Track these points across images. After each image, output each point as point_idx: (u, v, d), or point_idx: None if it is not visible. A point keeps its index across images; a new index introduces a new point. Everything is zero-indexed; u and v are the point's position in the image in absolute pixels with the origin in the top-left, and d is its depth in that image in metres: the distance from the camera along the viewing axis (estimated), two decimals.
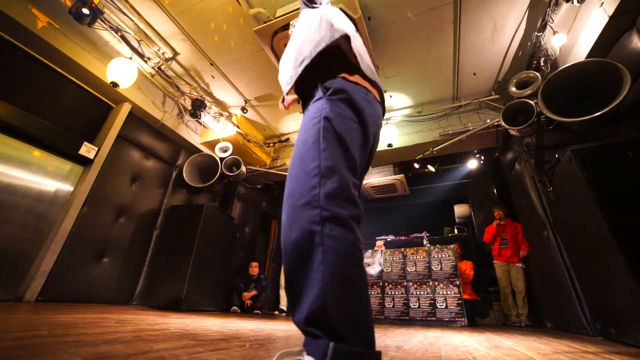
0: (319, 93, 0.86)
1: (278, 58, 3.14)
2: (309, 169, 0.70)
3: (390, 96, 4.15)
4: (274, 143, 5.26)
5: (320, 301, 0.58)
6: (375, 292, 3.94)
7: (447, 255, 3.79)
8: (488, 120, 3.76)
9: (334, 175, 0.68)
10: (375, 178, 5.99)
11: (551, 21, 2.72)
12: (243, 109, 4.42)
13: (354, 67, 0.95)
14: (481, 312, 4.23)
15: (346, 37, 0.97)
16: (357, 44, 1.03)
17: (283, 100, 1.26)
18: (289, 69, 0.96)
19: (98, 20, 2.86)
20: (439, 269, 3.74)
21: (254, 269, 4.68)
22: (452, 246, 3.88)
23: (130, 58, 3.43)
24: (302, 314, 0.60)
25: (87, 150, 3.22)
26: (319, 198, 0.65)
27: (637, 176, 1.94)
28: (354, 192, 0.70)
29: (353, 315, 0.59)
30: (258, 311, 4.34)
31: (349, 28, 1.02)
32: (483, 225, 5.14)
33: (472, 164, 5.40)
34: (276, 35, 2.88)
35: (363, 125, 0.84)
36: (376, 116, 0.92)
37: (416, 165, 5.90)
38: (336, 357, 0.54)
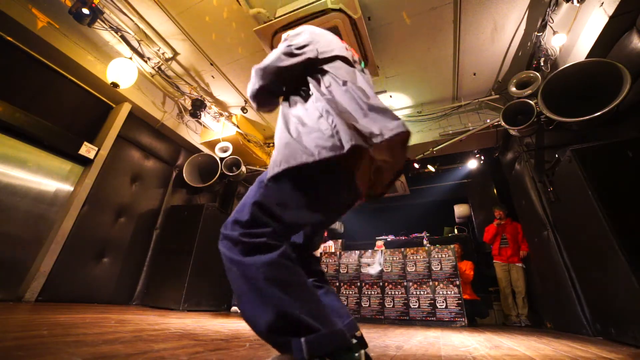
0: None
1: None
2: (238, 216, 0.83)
3: (390, 96, 4.15)
4: (274, 143, 5.26)
5: (272, 312, 0.65)
6: (375, 292, 3.94)
7: (447, 255, 3.78)
8: (488, 120, 3.76)
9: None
10: None
11: (551, 21, 2.72)
12: (243, 109, 4.42)
13: None
14: (481, 312, 4.23)
15: None
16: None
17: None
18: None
19: (98, 20, 2.86)
20: (439, 269, 3.74)
21: None
22: (452, 246, 3.88)
23: (130, 58, 3.43)
24: (266, 331, 0.67)
25: (87, 150, 3.22)
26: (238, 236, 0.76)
27: (637, 176, 1.94)
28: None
29: (306, 310, 0.66)
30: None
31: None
32: (483, 225, 5.14)
33: (472, 164, 5.40)
34: (276, 35, 2.88)
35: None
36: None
37: (416, 165, 5.90)
38: (310, 347, 0.62)
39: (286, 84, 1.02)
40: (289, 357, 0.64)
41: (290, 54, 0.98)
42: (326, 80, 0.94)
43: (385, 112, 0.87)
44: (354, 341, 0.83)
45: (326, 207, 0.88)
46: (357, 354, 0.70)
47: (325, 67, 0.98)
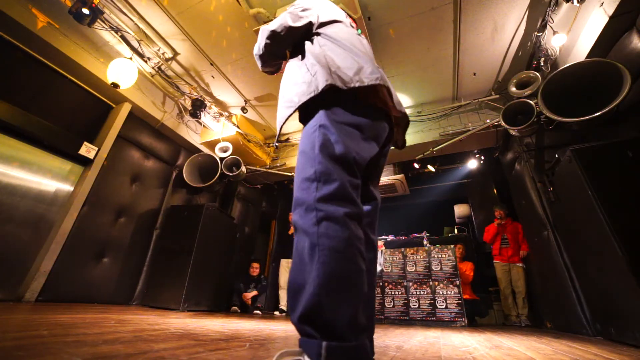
0: (316, 105, 0.90)
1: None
2: (307, 177, 0.75)
3: None
4: (274, 143, 5.27)
5: (315, 299, 0.59)
6: (376, 292, 3.94)
7: (447, 256, 3.79)
8: (488, 120, 3.76)
9: (328, 179, 0.71)
10: None
11: (551, 21, 2.72)
12: (243, 109, 4.42)
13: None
14: (481, 311, 4.23)
15: None
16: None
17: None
18: (289, 92, 0.99)
19: (98, 20, 2.86)
20: (439, 269, 3.74)
21: (255, 269, 4.69)
22: (452, 246, 3.88)
23: (131, 58, 3.43)
24: (297, 313, 0.62)
25: (87, 150, 3.22)
26: (314, 202, 0.69)
27: (637, 176, 1.94)
28: (350, 192, 0.71)
29: (346, 312, 0.60)
30: (258, 311, 4.34)
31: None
32: (483, 225, 5.14)
33: (472, 164, 5.40)
34: None
35: (361, 128, 0.88)
36: (375, 125, 0.93)
37: (416, 165, 5.90)
38: (330, 356, 0.56)
39: (289, 45, 1.13)
40: (301, 354, 0.60)
41: (296, 16, 1.08)
42: (321, 40, 1.03)
43: (371, 64, 0.95)
44: None
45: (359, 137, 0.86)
46: None
47: (323, 29, 1.07)
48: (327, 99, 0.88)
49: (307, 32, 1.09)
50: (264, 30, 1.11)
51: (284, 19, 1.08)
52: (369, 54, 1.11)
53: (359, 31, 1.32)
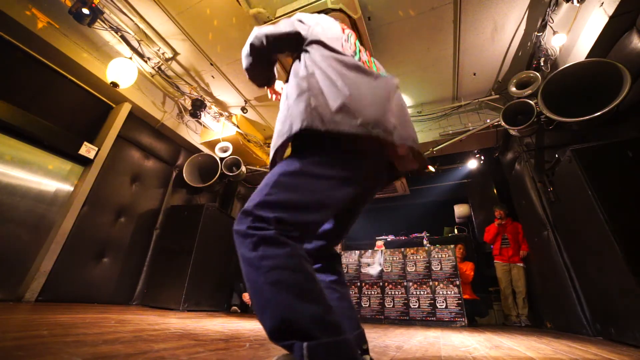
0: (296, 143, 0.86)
1: (281, 64, 3.14)
2: (245, 208, 0.75)
3: None
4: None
5: (277, 317, 0.62)
6: (375, 292, 3.94)
7: (447, 256, 3.79)
8: (488, 120, 3.76)
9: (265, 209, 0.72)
10: None
11: (551, 21, 2.72)
12: (243, 109, 4.42)
13: None
14: (481, 311, 4.23)
15: None
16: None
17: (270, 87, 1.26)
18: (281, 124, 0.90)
19: (98, 20, 2.86)
20: (439, 269, 3.74)
21: None
22: (452, 246, 3.88)
23: (130, 58, 3.43)
24: (267, 332, 0.65)
25: (87, 150, 3.22)
26: (246, 229, 0.70)
27: (637, 176, 1.94)
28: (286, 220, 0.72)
29: (311, 315, 0.62)
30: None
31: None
32: (483, 225, 5.14)
33: (472, 164, 5.40)
34: None
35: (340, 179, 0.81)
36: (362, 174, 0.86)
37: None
38: (312, 353, 0.58)
39: (280, 51, 1.05)
40: (291, 358, 0.63)
41: (290, 24, 1.02)
42: (310, 61, 0.93)
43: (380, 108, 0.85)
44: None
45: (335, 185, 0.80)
46: None
47: (314, 48, 0.96)
48: (304, 142, 0.81)
49: (297, 45, 1.01)
50: (255, 29, 1.05)
51: (278, 23, 1.06)
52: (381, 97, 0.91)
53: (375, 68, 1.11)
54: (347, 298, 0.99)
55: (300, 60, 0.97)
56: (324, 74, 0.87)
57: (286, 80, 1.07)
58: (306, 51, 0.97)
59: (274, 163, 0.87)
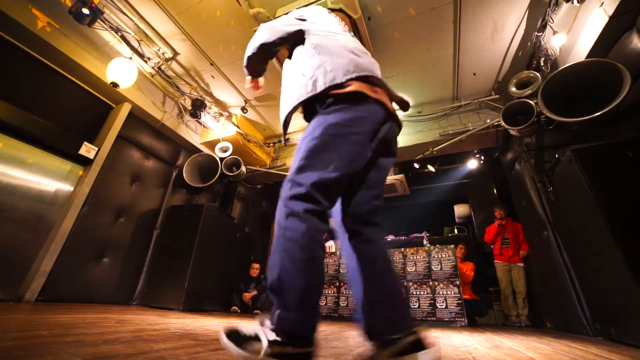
0: (313, 107, 0.98)
1: (278, 59, 3.13)
2: (287, 178, 0.88)
3: None
4: (274, 143, 5.27)
5: (277, 274, 0.77)
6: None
7: (447, 256, 3.78)
8: (488, 120, 3.76)
9: (298, 181, 0.85)
10: None
11: (551, 21, 2.72)
12: (243, 109, 4.42)
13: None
14: (481, 311, 4.23)
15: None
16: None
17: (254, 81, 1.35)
18: (290, 94, 1.05)
19: (98, 20, 2.86)
20: (439, 269, 3.74)
21: (255, 270, 4.68)
22: (452, 246, 3.88)
23: (130, 58, 3.43)
24: (268, 283, 0.81)
25: (87, 150, 3.22)
26: (286, 200, 0.84)
27: (637, 176, 1.94)
28: (314, 192, 0.83)
29: (301, 287, 0.75)
30: (258, 311, 4.34)
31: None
32: (483, 225, 5.14)
33: (472, 164, 5.40)
34: None
35: (357, 131, 0.91)
36: (374, 119, 0.96)
37: (416, 165, 5.90)
38: (279, 321, 0.73)
39: (281, 46, 1.18)
40: (264, 321, 0.77)
41: (290, 22, 1.15)
42: (314, 42, 1.08)
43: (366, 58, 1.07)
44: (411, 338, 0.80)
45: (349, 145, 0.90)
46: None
47: (315, 35, 1.11)
48: (323, 101, 0.94)
49: (299, 37, 1.13)
50: (262, 27, 1.18)
51: (279, 21, 1.17)
52: (362, 50, 1.14)
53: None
54: (376, 277, 0.91)
55: (304, 44, 1.11)
56: (329, 45, 1.05)
57: (289, 57, 1.17)
58: (309, 37, 1.11)
59: (287, 123, 1.07)
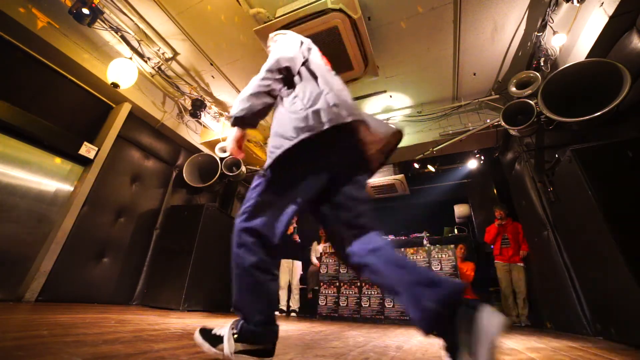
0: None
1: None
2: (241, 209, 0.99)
3: (390, 96, 4.15)
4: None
5: (235, 295, 0.92)
6: (376, 292, 3.94)
7: (447, 256, 3.78)
8: (488, 120, 3.76)
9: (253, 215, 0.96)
10: (375, 178, 5.99)
11: (551, 21, 2.72)
12: None
13: None
14: None
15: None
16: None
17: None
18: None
19: (98, 20, 2.86)
20: (439, 269, 3.74)
21: None
22: (452, 246, 3.88)
23: (130, 58, 3.43)
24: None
25: (87, 150, 3.22)
26: (238, 231, 0.97)
27: (637, 176, 1.94)
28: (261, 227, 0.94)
29: (252, 307, 0.90)
30: None
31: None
32: (483, 225, 5.14)
33: (472, 164, 5.40)
34: None
35: (304, 175, 0.96)
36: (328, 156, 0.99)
37: (416, 165, 5.90)
38: (240, 330, 0.87)
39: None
40: (232, 328, 0.90)
41: (297, 56, 1.10)
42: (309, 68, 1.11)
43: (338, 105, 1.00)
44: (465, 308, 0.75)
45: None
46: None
47: (306, 67, 1.12)
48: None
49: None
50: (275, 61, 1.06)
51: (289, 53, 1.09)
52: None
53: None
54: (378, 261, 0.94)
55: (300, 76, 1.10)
56: (319, 79, 1.06)
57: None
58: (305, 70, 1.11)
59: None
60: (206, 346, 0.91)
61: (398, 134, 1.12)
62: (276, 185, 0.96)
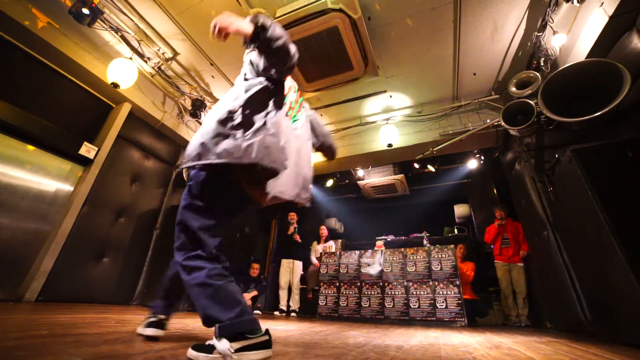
0: None
1: None
2: None
3: (390, 96, 4.15)
4: None
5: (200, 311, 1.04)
6: (375, 292, 3.94)
7: (447, 256, 3.78)
8: (488, 120, 3.76)
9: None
10: (375, 178, 5.99)
11: (551, 21, 2.72)
12: None
13: None
14: (481, 311, 4.23)
15: None
16: None
17: None
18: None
19: (98, 20, 2.86)
20: (439, 269, 3.74)
21: (255, 270, 4.68)
22: (452, 246, 3.88)
23: (131, 58, 3.44)
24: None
25: (87, 150, 3.22)
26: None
27: (637, 176, 1.94)
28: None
29: (223, 309, 1.00)
30: (258, 311, 4.34)
31: None
32: (483, 225, 5.14)
33: (472, 164, 5.39)
34: None
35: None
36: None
37: (416, 165, 5.90)
38: (221, 329, 0.94)
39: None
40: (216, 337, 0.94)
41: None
42: None
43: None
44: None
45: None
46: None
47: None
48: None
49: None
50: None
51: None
52: None
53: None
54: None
55: None
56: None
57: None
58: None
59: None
60: (202, 356, 0.91)
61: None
62: None
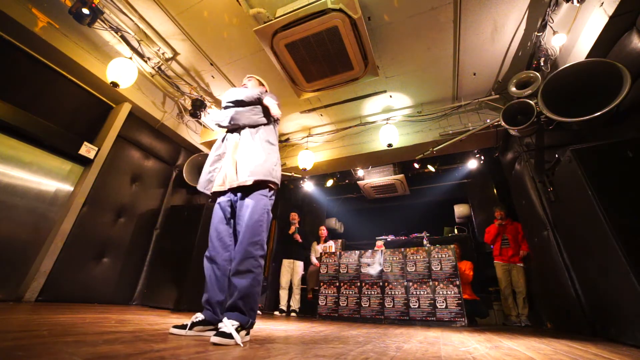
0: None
1: (278, 58, 3.13)
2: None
3: (390, 96, 4.15)
4: None
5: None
6: (375, 292, 3.94)
7: (447, 255, 3.78)
8: (488, 120, 3.76)
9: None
10: (375, 178, 5.99)
11: (551, 21, 2.72)
12: None
13: None
14: (481, 311, 4.23)
15: None
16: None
17: None
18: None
19: (98, 20, 2.86)
20: (439, 269, 3.74)
21: None
22: (452, 246, 3.88)
23: (130, 58, 3.43)
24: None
25: (87, 150, 3.22)
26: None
27: (637, 176, 1.94)
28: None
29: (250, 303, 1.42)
30: (258, 311, 4.34)
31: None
32: (483, 225, 5.14)
33: (472, 164, 5.39)
34: (276, 36, 2.87)
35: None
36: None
37: (416, 165, 5.90)
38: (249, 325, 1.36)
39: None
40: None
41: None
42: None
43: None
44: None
45: None
46: None
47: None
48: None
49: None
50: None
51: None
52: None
53: None
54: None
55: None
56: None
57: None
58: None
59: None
60: (233, 339, 1.21)
61: None
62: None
